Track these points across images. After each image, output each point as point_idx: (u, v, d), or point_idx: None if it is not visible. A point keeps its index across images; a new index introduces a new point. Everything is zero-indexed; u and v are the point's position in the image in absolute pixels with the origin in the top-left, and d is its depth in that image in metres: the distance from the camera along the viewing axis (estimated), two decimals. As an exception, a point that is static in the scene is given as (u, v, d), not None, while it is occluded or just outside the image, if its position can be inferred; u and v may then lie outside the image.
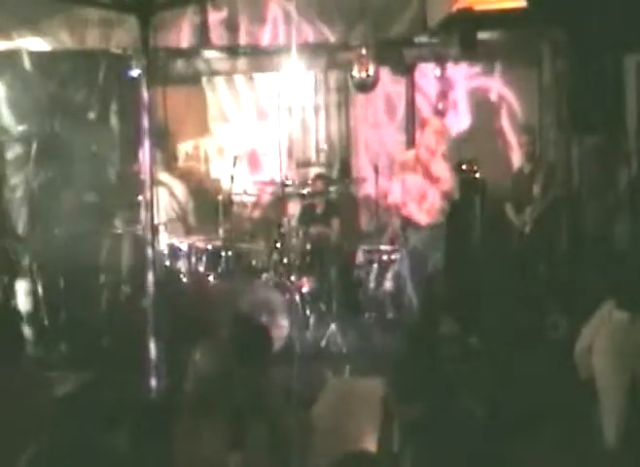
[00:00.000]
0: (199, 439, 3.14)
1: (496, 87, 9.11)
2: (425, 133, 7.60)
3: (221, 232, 8.09)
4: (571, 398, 5.38)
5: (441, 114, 9.02)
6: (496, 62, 9.00)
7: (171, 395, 4.46)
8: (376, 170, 8.15)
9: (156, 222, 5.24)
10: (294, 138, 9.70)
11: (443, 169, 7.50)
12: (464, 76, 9.16)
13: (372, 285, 8.14)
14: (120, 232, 7.97)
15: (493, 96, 9.14)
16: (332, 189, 8.74)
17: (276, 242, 7.99)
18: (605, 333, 4.79)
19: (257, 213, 9.13)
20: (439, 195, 7.47)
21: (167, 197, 8.15)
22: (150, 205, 5.15)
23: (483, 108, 9.16)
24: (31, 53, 7.58)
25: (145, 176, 5.16)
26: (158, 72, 6.06)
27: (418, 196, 7.50)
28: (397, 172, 7.73)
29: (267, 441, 3.60)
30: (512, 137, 8.94)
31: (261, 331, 4.61)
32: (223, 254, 7.99)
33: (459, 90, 9.18)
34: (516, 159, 8.69)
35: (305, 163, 9.64)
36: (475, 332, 7.22)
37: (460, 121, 9.17)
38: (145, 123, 5.09)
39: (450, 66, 8.96)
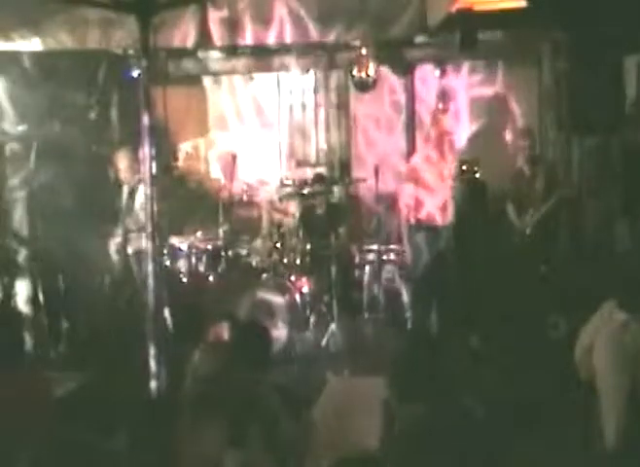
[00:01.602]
0: (199, 438, 3.14)
1: (496, 87, 9.12)
2: (437, 134, 7.65)
3: (221, 232, 8.09)
4: (571, 398, 5.37)
5: (441, 114, 9.02)
6: (496, 63, 9.00)
7: (171, 395, 4.46)
8: (376, 170, 8.15)
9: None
10: (294, 138, 9.70)
11: (450, 172, 7.60)
12: (464, 77, 9.17)
13: (372, 285, 8.13)
14: (119, 231, 7.95)
15: (493, 97, 9.14)
16: (331, 189, 8.74)
17: (276, 242, 7.99)
18: (605, 333, 4.77)
19: (257, 213, 9.11)
20: (446, 197, 7.55)
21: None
22: (150, 205, 5.15)
23: (483, 108, 9.16)
24: (31, 54, 7.57)
25: (144, 176, 5.17)
26: (158, 72, 6.05)
27: (426, 196, 7.54)
28: (406, 175, 7.77)
29: (267, 441, 3.60)
30: (512, 139, 8.93)
31: (260, 331, 4.62)
32: (223, 254, 7.98)
33: (459, 91, 9.17)
34: (517, 160, 8.67)
35: (305, 163, 9.63)
36: (475, 332, 7.22)
37: (460, 121, 9.17)
38: (145, 123, 5.09)
39: (450, 67, 8.98)
